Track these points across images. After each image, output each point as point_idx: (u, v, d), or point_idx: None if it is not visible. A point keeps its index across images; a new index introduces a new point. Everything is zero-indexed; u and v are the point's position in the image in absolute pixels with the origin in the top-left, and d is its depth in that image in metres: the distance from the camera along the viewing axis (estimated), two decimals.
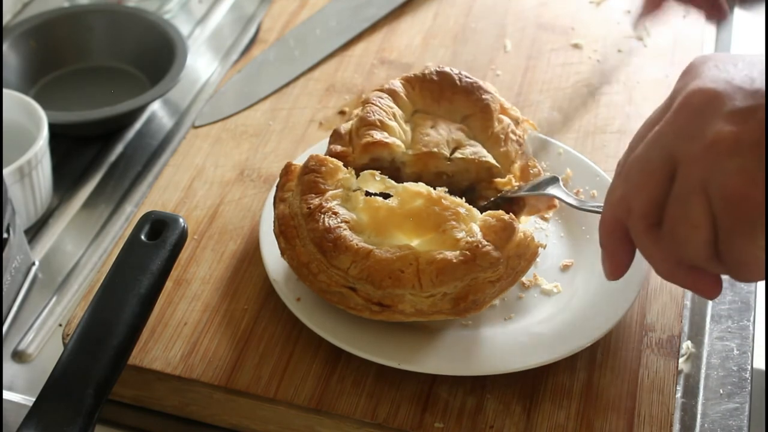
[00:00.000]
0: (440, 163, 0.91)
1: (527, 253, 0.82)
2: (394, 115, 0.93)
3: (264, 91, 1.15)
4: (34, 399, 0.71)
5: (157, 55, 1.19)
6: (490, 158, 0.92)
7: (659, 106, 0.72)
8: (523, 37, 1.23)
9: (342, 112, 1.12)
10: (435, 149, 0.91)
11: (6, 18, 1.28)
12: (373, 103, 0.93)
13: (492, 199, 0.92)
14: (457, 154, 0.92)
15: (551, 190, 0.90)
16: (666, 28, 1.23)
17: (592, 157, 1.03)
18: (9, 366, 0.91)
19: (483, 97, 0.95)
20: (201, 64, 1.28)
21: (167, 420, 0.88)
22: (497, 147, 0.94)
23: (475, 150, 0.92)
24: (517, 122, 0.97)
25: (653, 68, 1.18)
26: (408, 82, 0.96)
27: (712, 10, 1.01)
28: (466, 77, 0.96)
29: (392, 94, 0.95)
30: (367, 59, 1.20)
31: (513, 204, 0.91)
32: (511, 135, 0.94)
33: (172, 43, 1.18)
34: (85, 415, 0.69)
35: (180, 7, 1.35)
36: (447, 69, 0.96)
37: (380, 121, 0.91)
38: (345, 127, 0.93)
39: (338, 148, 0.90)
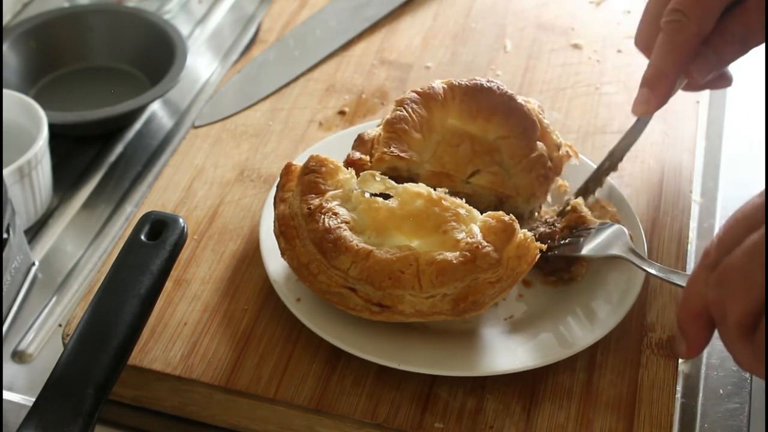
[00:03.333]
0: (456, 185, 0.91)
1: (527, 255, 0.82)
2: (422, 125, 0.91)
3: (264, 91, 1.15)
4: (34, 399, 0.71)
5: (157, 55, 1.19)
6: (507, 188, 0.91)
7: (753, 202, 0.71)
8: (523, 37, 1.23)
9: (342, 112, 1.12)
10: (452, 171, 0.90)
11: (6, 18, 1.28)
12: (404, 108, 0.91)
13: (556, 252, 0.90)
14: (474, 180, 0.91)
15: (619, 251, 0.87)
16: None
17: (592, 157, 1.02)
18: (9, 366, 0.91)
19: (522, 123, 0.91)
20: (201, 64, 1.28)
21: (167, 420, 0.88)
22: (522, 176, 0.91)
23: (494, 178, 0.91)
24: (558, 148, 0.94)
25: None
26: (451, 89, 0.92)
27: (720, 82, 1.01)
28: (510, 99, 0.92)
29: (428, 98, 0.92)
30: (367, 59, 1.20)
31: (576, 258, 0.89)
32: (540, 168, 0.91)
33: (172, 43, 1.18)
34: (85, 415, 0.69)
35: (180, 7, 1.35)
36: (494, 86, 0.92)
37: (404, 131, 0.89)
38: (369, 133, 0.91)
39: (357, 155, 0.89)
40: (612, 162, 0.98)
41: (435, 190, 0.84)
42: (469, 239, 0.81)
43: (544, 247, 0.84)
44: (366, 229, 0.83)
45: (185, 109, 1.21)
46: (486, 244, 0.81)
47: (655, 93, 0.94)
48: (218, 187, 1.02)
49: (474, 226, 0.82)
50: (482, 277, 0.81)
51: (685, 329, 0.75)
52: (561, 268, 0.90)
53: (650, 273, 0.85)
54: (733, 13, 0.91)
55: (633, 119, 1.11)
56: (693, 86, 0.99)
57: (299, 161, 0.90)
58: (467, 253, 0.80)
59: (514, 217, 0.82)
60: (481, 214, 0.86)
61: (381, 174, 0.85)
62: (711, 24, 0.90)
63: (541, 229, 0.92)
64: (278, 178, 0.89)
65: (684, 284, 0.80)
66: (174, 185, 1.02)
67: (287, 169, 0.88)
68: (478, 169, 0.91)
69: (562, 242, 0.90)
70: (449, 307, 0.81)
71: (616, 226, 0.89)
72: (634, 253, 0.87)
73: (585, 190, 0.97)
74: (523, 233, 0.82)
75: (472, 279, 0.80)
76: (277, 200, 0.88)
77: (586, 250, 0.88)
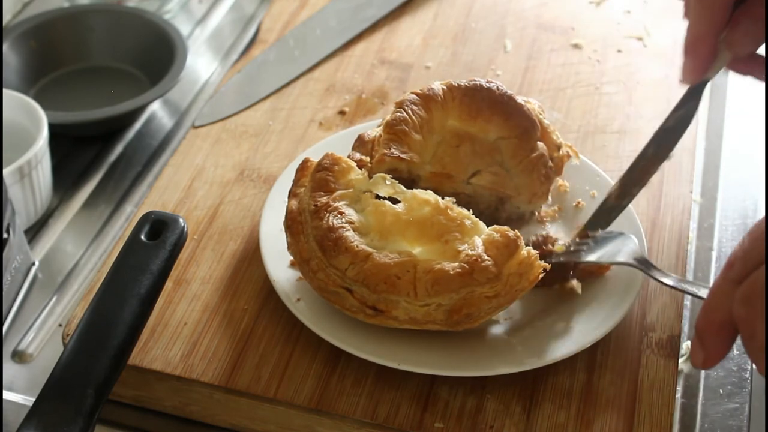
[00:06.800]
0: (457, 185, 0.90)
1: (529, 273, 0.81)
2: (421, 126, 0.90)
3: (264, 91, 1.15)
4: (34, 399, 0.71)
5: (157, 55, 1.19)
6: (508, 188, 0.90)
7: None
8: (523, 37, 1.23)
9: (342, 112, 1.12)
10: (453, 172, 0.90)
11: (6, 18, 1.28)
12: (404, 109, 0.90)
13: (561, 259, 0.88)
14: (475, 180, 0.91)
15: (627, 258, 0.85)
16: (666, 28, 1.24)
17: (592, 157, 1.03)
18: (9, 366, 0.91)
19: (522, 123, 0.91)
20: (201, 64, 1.28)
21: (167, 420, 0.88)
22: (524, 176, 0.91)
23: (495, 179, 0.90)
24: (558, 148, 0.94)
25: (653, 68, 1.18)
26: (450, 90, 0.92)
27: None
28: (510, 99, 0.92)
29: (428, 99, 0.91)
30: (367, 59, 1.20)
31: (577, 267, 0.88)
32: (541, 167, 0.91)
33: (172, 43, 1.18)
34: (85, 415, 0.69)
35: (180, 7, 1.35)
36: (494, 86, 0.92)
37: (404, 132, 0.89)
38: (370, 134, 0.91)
39: (357, 155, 0.89)
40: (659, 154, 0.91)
41: (443, 198, 0.84)
42: (470, 251, 0.81)
43: (549, 266, 0.83)
44: (371, 231, 0.83)
45: (185, 109, 1.21)
46: (486, 257, 0.80)
47: (696, 58, 0.92)
48: (218, 187, 1.02)
49: (477, 238, 0.82)
50: (479, 290, 0.80)
51: (705, 341, 0.74)
52: (560, 279, 0.88)
53: (662, 282, 0.83)
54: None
55: (632, 119, 1.12)
56: (739, 66, 0.93)
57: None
58: (465, 264, 0.80)
59: (519, 234, 0.81)
60: (483, 214, 0.86)
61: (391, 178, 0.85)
62: None
63: (533, 238, 0.90)
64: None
65: (698, 293, 0.79)
66: (174, 185, 1.02)
67: (303, 164, 0.89)
68: (478, 169, 0.91)
69: (564, 251, 0.89)
70: (443, 317, 0.81)
71: (623, 234, 0.88)
72: (644, 262, 0.85)
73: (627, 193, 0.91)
74: (527, 250, 0.81)
75: (468, 291, 0.80)
76: (291, 194, 0.88)
77: (592, 257, 0.86)
